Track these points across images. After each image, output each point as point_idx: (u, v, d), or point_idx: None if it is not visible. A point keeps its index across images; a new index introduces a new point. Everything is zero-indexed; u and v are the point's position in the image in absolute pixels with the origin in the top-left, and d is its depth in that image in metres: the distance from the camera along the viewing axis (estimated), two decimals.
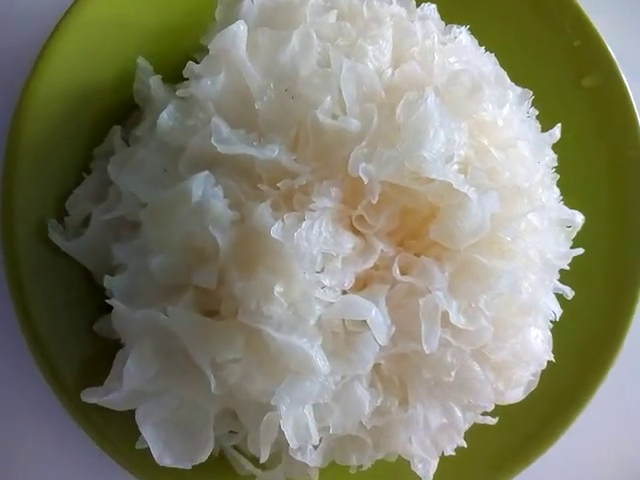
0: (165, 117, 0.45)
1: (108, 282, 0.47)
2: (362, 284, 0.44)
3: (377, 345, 0.43)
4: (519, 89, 0.51)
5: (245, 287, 0.39)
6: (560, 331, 0.53)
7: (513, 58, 0.55)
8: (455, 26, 0.53)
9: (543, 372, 0.48)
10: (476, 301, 0.43)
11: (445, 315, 0.42)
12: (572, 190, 0.58)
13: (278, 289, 0.39)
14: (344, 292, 0.42)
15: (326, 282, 0.40)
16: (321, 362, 0.39)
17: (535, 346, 0.50)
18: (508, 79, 0.50)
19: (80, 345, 0.50)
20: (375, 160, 0.42)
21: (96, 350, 0.48)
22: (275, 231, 0.39)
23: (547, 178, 0.50)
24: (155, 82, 0.50)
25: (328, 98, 0.43)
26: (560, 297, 0.56)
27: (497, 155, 0.43)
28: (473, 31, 0.54)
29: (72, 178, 0.58)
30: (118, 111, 0.54)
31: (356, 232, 0.43)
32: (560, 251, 0.52)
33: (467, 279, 0.43)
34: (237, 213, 0.41)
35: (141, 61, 0.57)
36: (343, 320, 0.42)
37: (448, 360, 0.43)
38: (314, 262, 0.39)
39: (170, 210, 0.44)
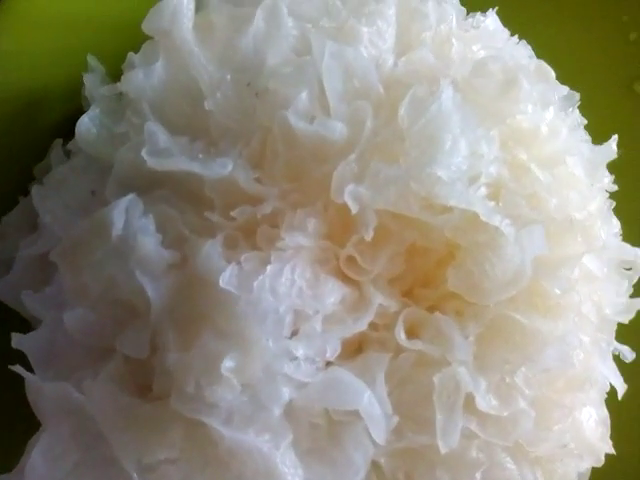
0: (86, 123, 0.33)
1: (17, 341, 0.34)
2: (355, 346, 0.34)
3: (371, 445, 0.30)
4: (564, 89, 0.38)
5: (181, 359, 0.29)
6: (617, 405, 0.40)
7: (551, 54, 0.42)
8: (479, 13, 0.41)
9: None
10: (512, 376, 0.33)
11: (469, 396, 0.32)
12: (627, 222, 0.44)
13: (228, 364, 0.29)
14: (328, 363, 0.32)
15: (299, 352, 0.30)
16: (289, 470, 0.26)
17: (588, 431, 0.37)
18: (553, 73, 0.37)
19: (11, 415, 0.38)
20: (368, 181, 0.29)
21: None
22: (226, 279, 0.27)
23: (605, 207, 0.37)
24: (90, 81, 0.38)
25: (303, 95, 0.30)
26: (616, 359, 0.42)
27: (540, 175, 0.33)
28: (502, 19, 0.41)
29: (7, 203, 0.46)
30: (69, 123, 0.42)
31: (345, 279, 0.33)
32: (621, 303, 0.39)
33: (499, 345, 0.33)
34: (176, 253, 0.29)
35: (91, 60, 0.45)
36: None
37: (473, 456, 0.33)
38: (282, 324, 0.29)
39: (86, 248, 0.31)
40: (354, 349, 0.34)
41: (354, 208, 0.29)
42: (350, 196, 0.28)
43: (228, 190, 0.31)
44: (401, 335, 0.32)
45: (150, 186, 0.33)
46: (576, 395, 0.35)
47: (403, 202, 0.29)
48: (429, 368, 0.32)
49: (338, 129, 0.29)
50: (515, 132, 0.34)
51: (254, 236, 0.30)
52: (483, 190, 0.31)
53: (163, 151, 0.31)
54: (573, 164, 0.34)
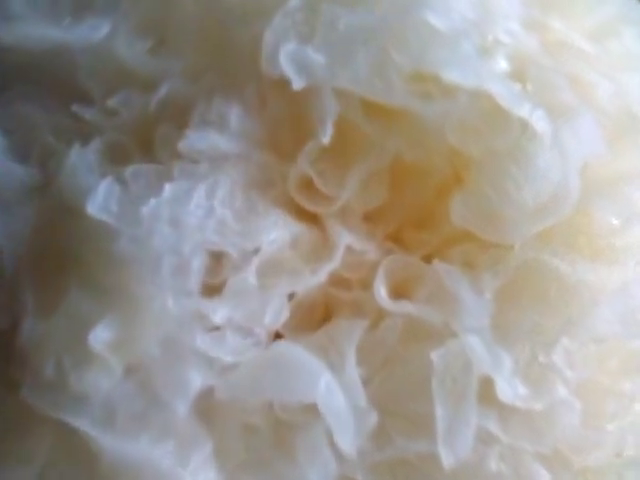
0: None
1: None
2: (320, 314, 0.24)
3: (332, 457, 0.20)
4: None
5: (38, 328, 0.20)
6: None
7: None
8: None
9: None
10: (547, 350, 0.24)
11: (486, 382, 0.23)
12: None
13: (101, 334, 0.19)
14: (278, 335, 0.23)
15: (218, 317, 0.20)
16: None
17: None
18: None
19: None
20: (321, 37, 0.19)
21: None
22: (98, 203, 0.19)
23: None
24: None
25: None
26: None
27: (586, 48, 0.23)
28: None
29: None
30: None
31: (298, 212, 0.24)
32: None
33: (528, 305, 0.23)
34: (38, 172, 0.22)
35: None
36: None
37: (491, 468, 0.24)
38: (186, 271, 0.20)
39: None
40: (318, 318, 0.24)
41: (297, 81, 0.18)
42: (290, 60, 0.18)
43: (109, 71, 0.20)
44: (381, 292, 0.23)
45: (7, 82, 0.22)
46: (637, 381, 0.26)
47: (379, 78, 0.19)
48: (425, 341, 0.23)
49: None
50: None
51: (150, 143, 0.20)
52: (503, 64, 0.20)
53: (15, 18, 0.20)
54: (632, 37, 0.23)
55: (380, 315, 0.24)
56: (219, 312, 0.20)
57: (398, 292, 0.25)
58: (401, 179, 0.25)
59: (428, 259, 0.25)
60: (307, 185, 0.23)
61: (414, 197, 0.25)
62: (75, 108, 0.20)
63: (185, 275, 0.19)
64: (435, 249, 0.25)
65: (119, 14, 0.20)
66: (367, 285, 0.24)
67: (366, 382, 0.24)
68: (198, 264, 0.19)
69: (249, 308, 0.20)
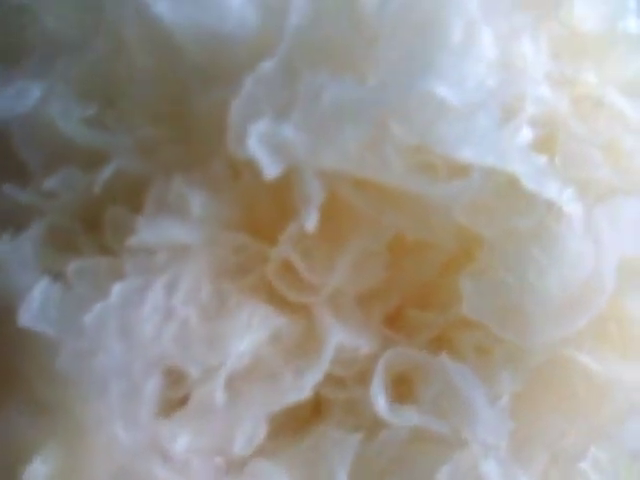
0: None
1: None
2: (307, 411, 0.21)
3: None
4: None
5: None
6: None
7: None
8: None
9: None
10: (571, 461, 0.20)
11: None
12: None
13: (40, 468, 0.16)
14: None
15: (178, 444, 0.17)
16: None
17: None
18: None
19: None
20: (301, 109, 0.15)
21: None
22: (33, 309, 0.16)
23: None
24: None
25: None
26: None
27: (623, 108, 0.20)
28: None
29: None
30: None
31: (280, 301, 0.20)
32: None
33: (553, 410, 0.20)
34: None
35: None
36: None
37: None
38: (139, 394, 0.16)
39: None
40: (303, 416, 0.20)
41: (270, 168, 0.15)
42: (262, 142, 0.14)
43: (46, 143, 0.17)
44: (380, 402, 0.19)
45: None
46: None
47: (374, 157, 0.15)
48: (430, 448, 0.20)
49: (236, 10, 0.15)
50: (574, 38, 0.19)
51: (98, 229, 0.17)
52: (527, 133, 0.17)
53: None
54: None
55: (375, 426, 0.20)
56: (180, 440, 0.16)
57: (399, 386, 0.22)
58: (400, 255, 0.22)
59: (436, 345, 0.21)
60: (290, 269, 0.19)
61: (416, 274, 0.21)
62: (7, 189, 0.17)
63: (136, 401, 0.16)
64: (443, 333, 0.21)
65: (54, 74, 0.17)
66: (362, 380, 0.21)
67: None
68: (152, 387, 0.16)
69: (216, 433, 0.17)
